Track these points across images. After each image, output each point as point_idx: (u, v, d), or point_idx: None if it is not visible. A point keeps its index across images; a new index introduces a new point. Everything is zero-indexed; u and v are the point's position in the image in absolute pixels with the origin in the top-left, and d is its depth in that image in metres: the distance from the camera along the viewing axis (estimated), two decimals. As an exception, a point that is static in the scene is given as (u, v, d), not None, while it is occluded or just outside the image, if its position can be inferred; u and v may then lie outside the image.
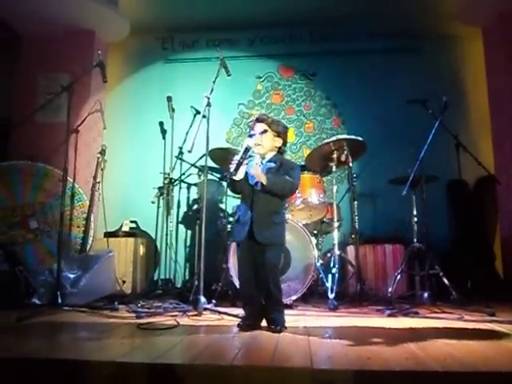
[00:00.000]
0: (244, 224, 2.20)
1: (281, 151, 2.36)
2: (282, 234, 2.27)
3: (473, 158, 3.25)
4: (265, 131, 2.28)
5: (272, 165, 2.26)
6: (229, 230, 3.77)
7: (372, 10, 4.77)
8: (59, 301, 2.79)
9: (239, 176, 2.19)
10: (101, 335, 2.03)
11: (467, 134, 4.33)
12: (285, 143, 2.36)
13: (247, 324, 2.15)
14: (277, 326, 2.09)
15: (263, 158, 2.31)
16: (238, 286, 3.03)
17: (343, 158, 3.41)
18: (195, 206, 4.59)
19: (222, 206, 4.24)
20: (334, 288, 3.10)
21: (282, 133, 2.33)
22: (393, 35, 4.97)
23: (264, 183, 2.15)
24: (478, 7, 4.44)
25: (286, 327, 2.12)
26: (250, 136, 2.30)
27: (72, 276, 3.11)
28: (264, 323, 2.18)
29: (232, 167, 2.16)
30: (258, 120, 2.32)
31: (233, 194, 4.01)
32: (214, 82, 2.89)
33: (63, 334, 2.18)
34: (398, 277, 3.30)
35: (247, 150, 2.18)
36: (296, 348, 1.73)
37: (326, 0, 4.65)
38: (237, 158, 2.17)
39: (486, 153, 4.41)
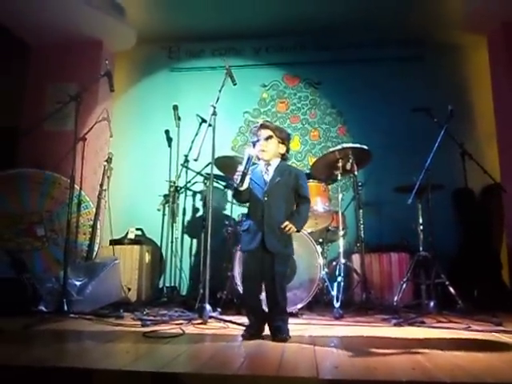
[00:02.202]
0: (256, 233, 2.20)
1: (284, 158, 2.37)
2: (291, 244, 2.28)
3: (478, 166, 3.24)
4: (270, 137, 2.30)
5: (278, 178, 2.26)
6: (234, 238, 3.76)
7: (377, 18, 4.79)
8: (65, 308, 2.82)
9: (244, 186, 2.20)
10: (106, 343, 2.04)
11: (473, 142, 4.32)
12: (288, 150, 2.38)
13: (252, 333, 2.15)
14: (282, 334, 2.09)
15: (268, 165, 2.32)
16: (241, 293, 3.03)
17: (348, 167, 3.41)
18: (200, 214, 4.61)
19: (228, 213, 4.25)
20: (340, 297, 3.09)
21: (285, 139, 2.35)
22: (398, 44, 4.98)
23: (299, 229, 2.26)
24: (483, 16, 4.45)
25: (290, 336, 2.12)
26: (254, 143, 2.31)
27: (78, 283, 3.13)
28: (267, 332, 2.17)
29: (237, 178, 2.17)
30: (263, 126, 2.33)
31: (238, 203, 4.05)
32: (219, 91, 2.92)
33: (69, 342, 2.19)
34: (404, 285, 3.28)
35: (250, 159, 2.20)
36: (302, 358, 1.73)
37: (330, 9, 4.68)
38: (241, 168, 2.18)
39: (492, 161, 4.39)
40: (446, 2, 4.55)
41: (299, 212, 2.28)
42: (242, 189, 2.20)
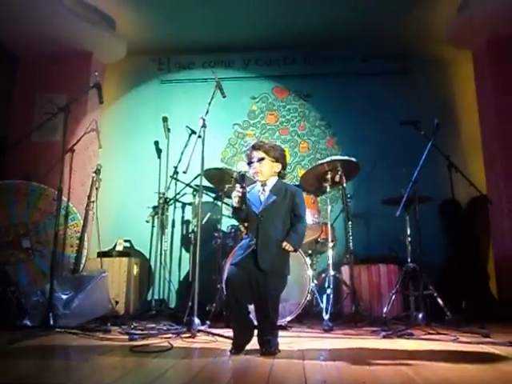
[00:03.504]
0: (246, 250, 2.19)
1: (281, 175, 2.34)
2: (287, 262, 2.24)
3: (465, 178, 3.29)
4: (262, 159, 2.27)
5: (274, 198, 2.23)
6: (223, 250, 3.75)
7: (365, 33, 4.87)
8: (51, 322, 2.76)
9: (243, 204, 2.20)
10: (93, 359, 2.00)
11: (459, 155, 4.40)
12: (284, 167, 2.34)
13: (239, 345, 2.12)
14: (271, 348, 2.07)
15: (265, 185, 2.29)
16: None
17: (337, 179, 3.45)
18: (190, 226, 4.58)
19: (217, 225, 4.23)
20: (329, 309, 3.09)
21: (280, 158, 2.31)
22: (386, 58, 5.07)
23: (296, 250, 2.23)
24: (468, 32, 4.55)
25: (279, 350, 2.10)
26: (249, 164, 2.30)
27: (64, 297, 3.08)
28: (256, 345, 2.15)
29: (236, 200, 2.17)
30: (255, 147, 2.30)
31: (228, 214, 4.04)
32: (209, 103, 2.93)
33: (55, 358, 2.14)
34: (393, 297, 3.29)
35: (243, 177, 2.20)
36: (290, 372, 1.72)
37: (319, 23, 4.75)
38: (238, 189, 2.18)
39: (478, 173, 4.46)
40: (432, 19, 4.65)
41: (296, 231, 2.24)
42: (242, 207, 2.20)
